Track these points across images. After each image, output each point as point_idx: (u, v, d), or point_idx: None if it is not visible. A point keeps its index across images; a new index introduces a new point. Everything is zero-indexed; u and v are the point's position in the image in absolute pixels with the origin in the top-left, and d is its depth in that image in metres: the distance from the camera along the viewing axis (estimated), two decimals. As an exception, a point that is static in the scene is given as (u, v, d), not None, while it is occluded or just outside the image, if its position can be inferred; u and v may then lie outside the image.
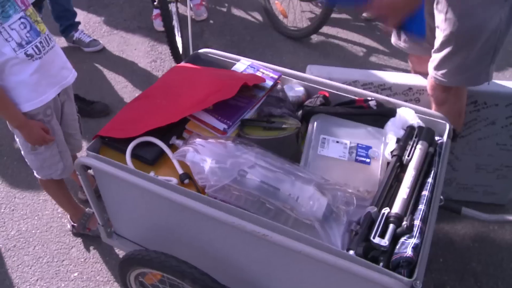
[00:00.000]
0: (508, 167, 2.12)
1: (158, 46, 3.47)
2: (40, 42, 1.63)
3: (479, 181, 2.20)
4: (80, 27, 3.47)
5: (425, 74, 1.79)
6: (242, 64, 1.56)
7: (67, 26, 3.39)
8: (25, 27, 1.59)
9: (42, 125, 1.72)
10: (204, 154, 1.19)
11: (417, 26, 1.42)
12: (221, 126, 1.32)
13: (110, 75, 3.23)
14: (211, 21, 3.76)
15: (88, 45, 3.43)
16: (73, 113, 1.94)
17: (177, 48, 3.09)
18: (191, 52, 3.07)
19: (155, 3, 3.02)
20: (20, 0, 1.59)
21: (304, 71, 1.89)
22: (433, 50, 1.64)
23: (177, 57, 3.12)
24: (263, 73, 1.50)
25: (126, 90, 3.08)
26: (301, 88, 1.49)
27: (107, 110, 2.88)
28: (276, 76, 1.48)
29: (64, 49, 3.06)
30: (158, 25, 3.57)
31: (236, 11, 3.88)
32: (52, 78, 1.72)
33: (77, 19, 3.42)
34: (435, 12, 1.56)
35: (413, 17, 1.33)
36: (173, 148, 1.33)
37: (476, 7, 1.20)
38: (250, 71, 1.52)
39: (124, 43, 3.48)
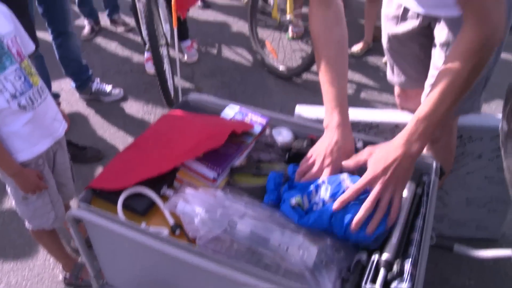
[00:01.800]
0: (498, 201, 2.13)
1: (150, 88, 3.51)
2: (32, 94, 1.66)
3: (470, 216, 2.21)
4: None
5: (412, 110, 1.82)
6: (231, 110, 1.58)
7: (84, 80, 3.39)
8: (19, 79, 1.61)
9: (37, 172, 1.73)
10: (194, 204, 1.19)
11: None
12: (211, 174, 1.33)
13: (102, 120, 3.26)
14: (202, 63, 3.81)
15: (109, 95, 3.43)
16: (65, 162, 1.95)
17: (168, 91, 3.13)
18: (180, 96, 3.11)
19: (147, 46, 3.06)
20: (16, 53, 1.62)
21: (294, 110, 1.92)
22: (427, 83, 1.67)
23: (168, 100, 3.16)
24: (251, 118, 1.52)
25: (119, 135, 3.10)
26: (289, 133, 1.51)
27: (99, 155, 2.89)
28: (264, 122, 1.50)
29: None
30: (150, 68, 3.62)
31: (226, 52, 3.94)
32: (45, 130, 1.74)
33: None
34: (434, 49, 1.60)
35: None
36: (165, 198, 1.33)
37: None
38: (239, 116, 1.54)
39: (116, 86, 3.51)
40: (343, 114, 1.36)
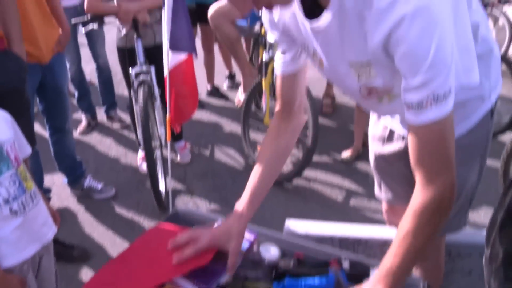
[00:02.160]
0: None
1: (142, 188, 3.54)
2: (25, 199, 1.67)
3: None
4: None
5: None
6: (220, 225, 1.60)
7: (77, 175, 3.42)
8: (14, 184, 1.63)
9: (20, 279, 1.70)
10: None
11: None
12: (189, 286, 1.33)
13: (91, 217, 3.26)
14: (195, 164, 3.87)
15: (100, 192, 3.45)
16: (50, 267, 1.92)
17: (159, 193, 3.15)
18: (170, 198, 3.13)
19: (141, 146, 3.12)
20: (14, 158, 1.65)
21: (283, 216, 1.94)
22: None
23: (159, 201, 3.17)
24: (240, 234, 1.54)
25: (107, 234, 3.08)
26: (277, 250, 1.52)
27: (86, 255, 2.86)
28: (252, 238, 1.52)
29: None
30: (143, 167, 3.66)
31: (219, 154, 4.02)
32: (33, 235, 1.73)
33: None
34: None
35: None
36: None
37: (458, 166, 1.27)
38: (228, 231, 1.55)
39: (108, 183, 3.54)
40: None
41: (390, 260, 1.22)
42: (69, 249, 2.83)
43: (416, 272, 1.85)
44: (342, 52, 1.28)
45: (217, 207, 3.34)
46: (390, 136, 1.76)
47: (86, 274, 2.76)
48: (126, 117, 4.47)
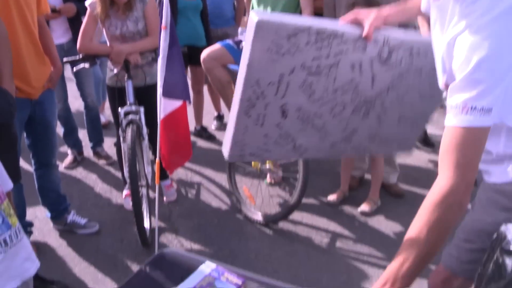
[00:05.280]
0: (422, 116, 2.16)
1: (126, 225, 3.50)
2: (10, 236, 1.64)
3: (397, 133, 2.17)
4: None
5: None
6: (207, 267, 1.59)
7: (60, 210, 3.39)
8: (-3, 221, 1.61)
9: None
10: None
11: None
12: None
13: (73, 253, 3.22)
14: (180, 203, 3.86)
15: (84, 227, 3.42)
16: (29, 304, 1.89)
17: (144, 231, 3.13)
18: (156, 236, 3.11)
19: (127, 185, 3.11)
20: None
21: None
22: None
23: (144, 239, 3.14)
24: (227, 278, 1.53)
25: (89, 271, 3.04)
26: (264, 295, 1.52)
27: (66, 291, 2.81)
28: (240, 283, 1.51)
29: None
30: (128, 204, 3.63)
31: (205, 194, 4.01)
32: (13, 271, 1.70)
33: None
34: None
35: None
36: None
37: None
38: (215, 274, 1.55)
39: (92, 219, 3.50)
40: None
41: (400, 262, 1.27)
42: (49, 285, 2.78)
43: None
44: None
45: (201, 246, 3.31)
46: None
47: (66, 311, 2.71)
48: (112, 154, 4.46)
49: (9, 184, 1.82)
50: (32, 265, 1.80)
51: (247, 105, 1.76)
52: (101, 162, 4.52)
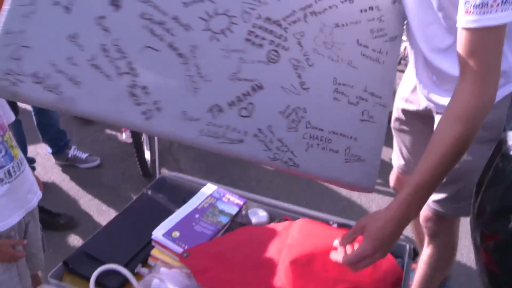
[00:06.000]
0: None
1: (127, 158, 3.52)
2: (13, 167, 1.65)
3: None
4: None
5: None
6: (209, 189, 1.61)
7: (61, 146, 3.40)
8: (0, 152, 1.61)
9: (11, 242, 1.69)
10: (169, 283, 1.20)
11: None
12: (179, 249, 1.33)
13: (77, 186, 3.24)
14: (180, 134, 3.85)
15: (85, 161, 3.44)
16: (37, 233, 1.92)
17: (145, 162, 3.15)
18: (157, 167, 3.13)
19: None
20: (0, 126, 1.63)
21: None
22: None
23: (145, 170, 3.17)
24: (229, 199, 1.55)
25: (93, 203, 3.08)
26: (265, 213, 1.54)
27: (72, 223, 2.85)
28: (241, 203, 1.54)
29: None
30: (127, 136, 3.64)
31: (204, 124, 3.99)
32: (18, 202, 1.72)
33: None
34: None
35: None
36: (139, 276, 1.33)
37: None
38: (216, 195, 1.57)
39: (93, 154, 3.52)
40: None
41: (422, 173, 1.13)
42: (55, 217, 2.82)
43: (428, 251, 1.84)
44: None
45: (203, 175, 3.34)
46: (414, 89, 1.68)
47: (73, 241, 2.76)
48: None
49: (11, 116, 1.82)
50: (34, 197, 1.82)
51: None
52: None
